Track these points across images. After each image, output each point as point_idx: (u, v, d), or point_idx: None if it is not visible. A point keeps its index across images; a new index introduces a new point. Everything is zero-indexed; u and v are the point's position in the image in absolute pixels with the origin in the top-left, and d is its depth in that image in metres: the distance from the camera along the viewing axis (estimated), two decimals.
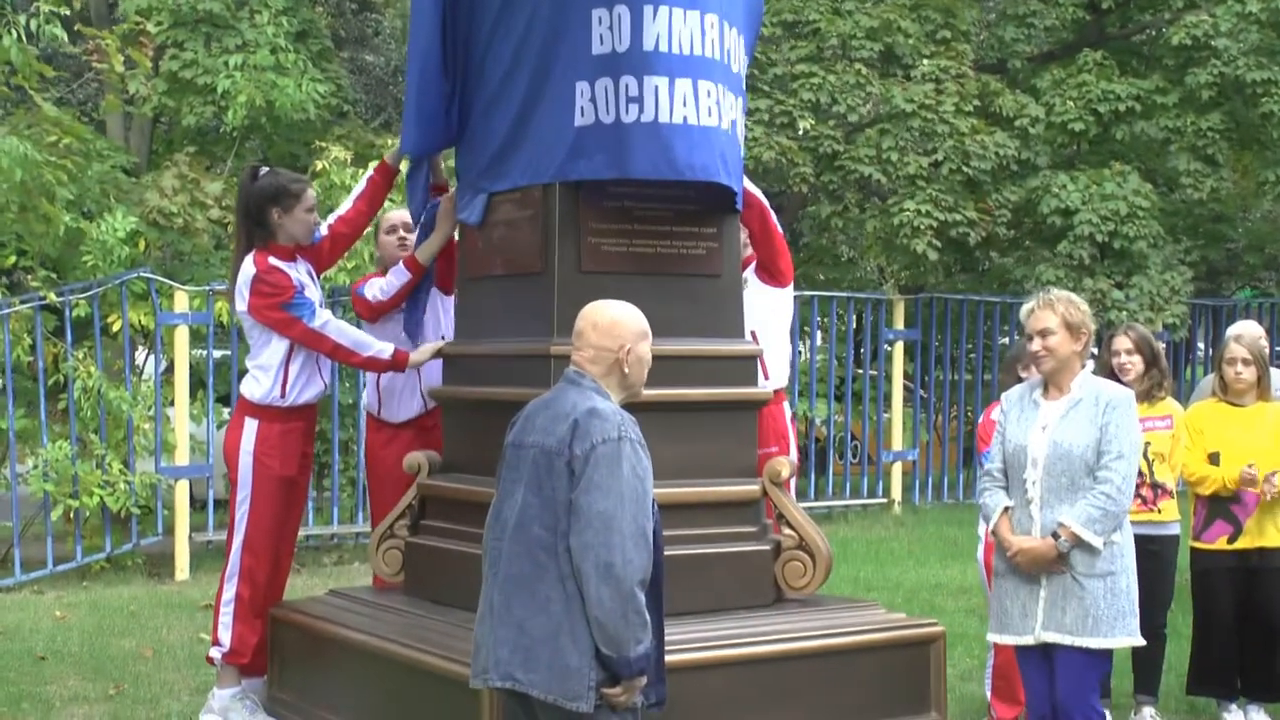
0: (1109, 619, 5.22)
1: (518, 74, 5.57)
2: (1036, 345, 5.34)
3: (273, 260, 6.16)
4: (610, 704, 4.05)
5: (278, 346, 6.19)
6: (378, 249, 6.91)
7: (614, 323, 4.31)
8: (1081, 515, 5.16)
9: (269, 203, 6.24)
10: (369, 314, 6.49)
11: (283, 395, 6.19)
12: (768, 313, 6.49)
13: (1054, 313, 5.34)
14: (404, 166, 6.61)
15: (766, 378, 6.35)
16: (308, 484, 6.59)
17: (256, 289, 6.11)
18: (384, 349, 6.24)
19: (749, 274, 6.44)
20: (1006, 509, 5.32)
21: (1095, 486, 5.19)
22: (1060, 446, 5.24)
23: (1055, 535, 5.18)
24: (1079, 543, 5.16)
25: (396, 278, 6.39)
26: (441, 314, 6.66)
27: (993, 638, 5.49)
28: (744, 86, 5.65)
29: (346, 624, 5.83)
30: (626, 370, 4.29)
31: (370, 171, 6.52)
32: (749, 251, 6.48)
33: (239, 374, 6.48)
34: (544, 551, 4.07)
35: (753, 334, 6.07)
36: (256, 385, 6.22)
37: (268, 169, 6.49)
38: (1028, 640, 5.30)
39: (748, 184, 5.99)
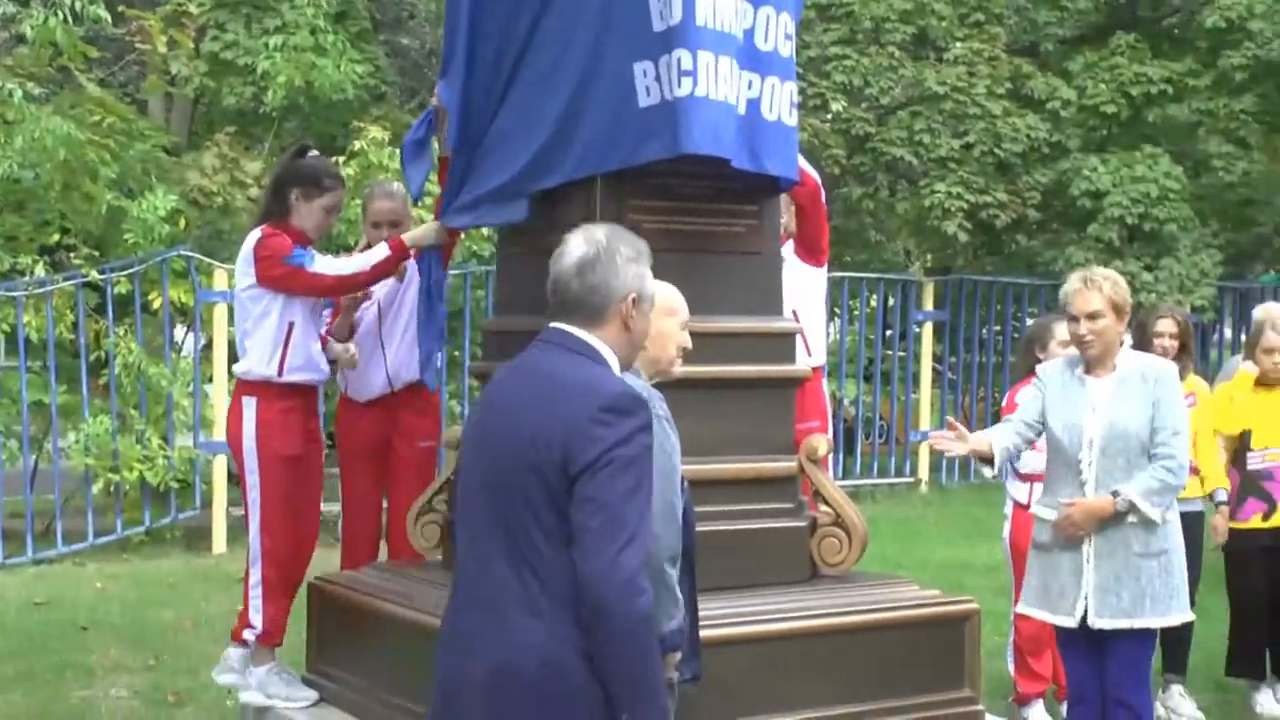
0: (1164, 597, 5.19)
1: (564, 69, 5.51)
2: (1084, 328, 5.21)
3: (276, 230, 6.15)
4: None
5: (275, 323, 6.11)
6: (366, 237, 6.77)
7: None
8: (1142, 486, 5.11)
9: (294, 182, 6.21)
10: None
11: (280, 373, 6.11)
12: (807, 290, 6.57)
13: (1101, 294, 5.20)
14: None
15: (810, 355, 6.44)
16: (320, 460, 6.51)
17: (260, 255, 6.06)
18: (379, 252, 6.16)
19: (788, 252, 6.51)
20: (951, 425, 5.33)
21: (1156, 461, 5.13)
22: (1116, 427, 5.16)
23: (1114, 494, 5.13)
24: (1133, 510, 5.12)
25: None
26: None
27: (1031, 612, 5.46)
28: (786, 66, 5.55)
29: (388, 597, 5.90)
30: (644, 345, 4.31)
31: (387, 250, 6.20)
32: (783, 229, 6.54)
33: None
34: None
35: (794, 312, 6.13)
36: (253, 362, 6.15)
37: (317, 153, 6.48)
38: (1071, 622, 5.25)
39: (804, 163, 6.02)
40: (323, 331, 6.53)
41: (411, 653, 5.60)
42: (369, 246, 6.43)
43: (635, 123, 5.27)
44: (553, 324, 3.43)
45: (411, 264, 6.43)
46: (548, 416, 3.22)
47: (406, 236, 6.21)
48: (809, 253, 6.69)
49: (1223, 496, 6.87)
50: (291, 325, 6.12)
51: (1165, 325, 6.89)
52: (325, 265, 6.14)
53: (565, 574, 3.17)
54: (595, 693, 3.19)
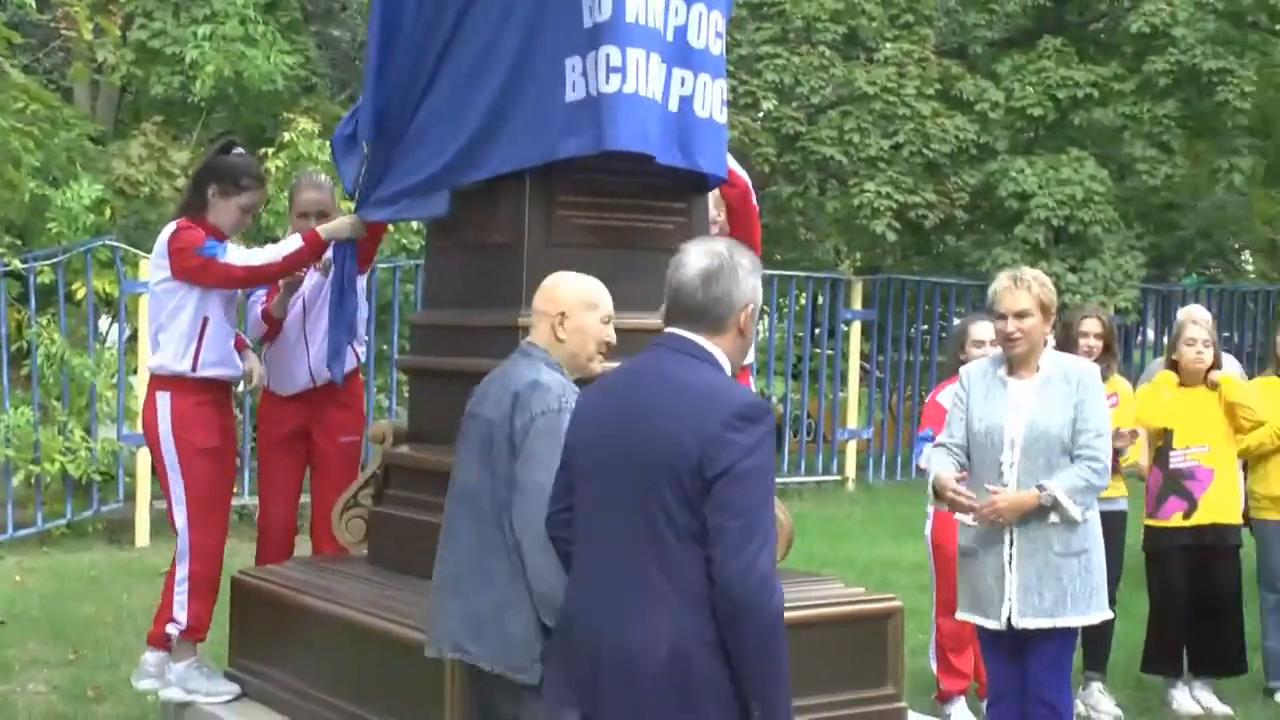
0: (1084, 596, 5.21)
1: (491, 65, 5.49)
2: (1011, 327, 5.23)
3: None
4: None
5: (190, 318, 6.05)
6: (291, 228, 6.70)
7: (555, 287, 4.30)
8: (1067, 484, 5.12)
9: (213, 178, 6.15)
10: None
11: (194, 368, 6.05)
12: None
13: (1029, 294, 5.24)
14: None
15: None
16: (234, 454, 6.50)
17: (173, 248, 6.00)
18: (293, 243, 6.10)
19: None
20: (957, 478, 5.29)
21: (1080, 460, 5.16)
22: (1037, 427, 5.18)
23: (1040, 487, 5.15)
24: (1056, 507, 5.14)
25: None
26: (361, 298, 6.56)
27: (966, 617, 5.47)
28: (717, 63, 5.54)
29: (311, 591, 5.87)
30: (563, 338, 4.25)
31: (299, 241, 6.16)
32: (718, 229, 6.54)
33: None
34: (490, 524, 4.07)
35: None
36: (167, 357, 6.08)
37: (242, 151, 6.41)
38: (999, 625, 5.26)
39: (733, 164, 6.02)
40: (261, 307, 6.50)
41: (334, 647, 5.59)
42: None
43: (560, 118, 5.25)
44: (670, 329, 3.58)
45: None
46: (679, 421, 3.38)
47: (322, 229, 6.14)
48: None
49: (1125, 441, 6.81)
50: (206, 320, 6.06)
51: (1090, 325, 6.98)
52: (237, 256, 6.07)
53: (692, 569, 3.34)
54: (719, 682, 3.35)
